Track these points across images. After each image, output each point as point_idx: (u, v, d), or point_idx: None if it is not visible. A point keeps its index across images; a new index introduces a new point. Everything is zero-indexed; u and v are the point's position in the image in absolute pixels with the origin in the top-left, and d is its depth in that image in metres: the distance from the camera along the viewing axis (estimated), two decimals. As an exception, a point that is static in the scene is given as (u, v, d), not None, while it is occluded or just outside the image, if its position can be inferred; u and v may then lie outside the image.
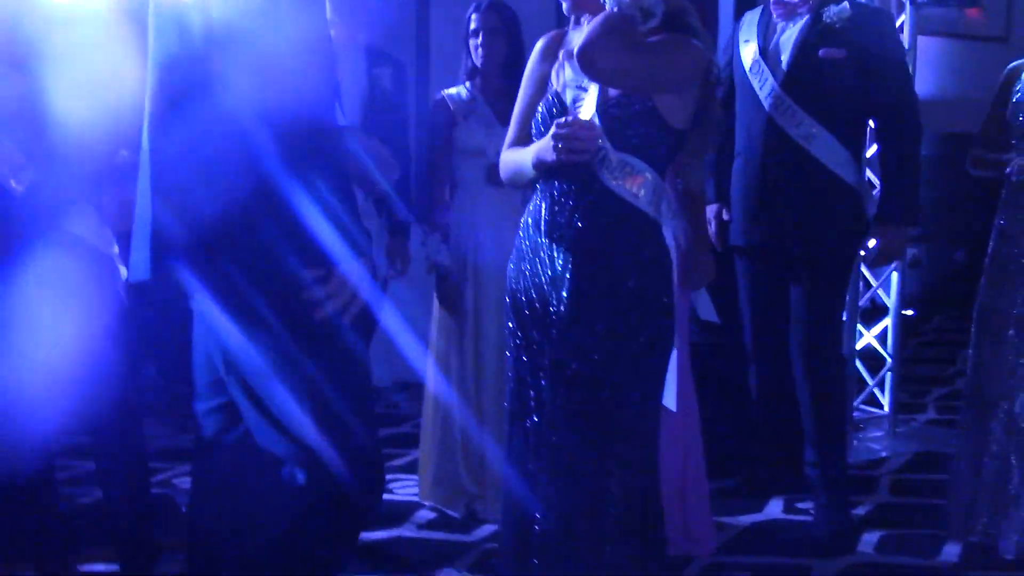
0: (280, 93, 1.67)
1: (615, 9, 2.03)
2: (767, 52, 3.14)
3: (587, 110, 2.15)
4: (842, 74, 3.05)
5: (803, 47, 3.07)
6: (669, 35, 2.09)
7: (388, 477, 3.64)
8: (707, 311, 3.11)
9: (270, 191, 1.70)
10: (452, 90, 3.35)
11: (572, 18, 2.26)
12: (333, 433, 1.77)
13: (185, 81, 1.72)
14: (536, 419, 2.18)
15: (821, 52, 3.04)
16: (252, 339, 1.73)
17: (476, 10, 3.28)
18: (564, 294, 2.13)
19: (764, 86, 3.10)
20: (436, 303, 3.38)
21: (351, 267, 1.78)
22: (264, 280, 1.74)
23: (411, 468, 3.66)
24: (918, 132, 3.16)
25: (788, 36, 3.12)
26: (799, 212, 3.09)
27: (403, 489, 3.56)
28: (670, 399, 2.21)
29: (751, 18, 3.26)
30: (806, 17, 3.09)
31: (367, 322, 3.14)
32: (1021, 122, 3.05)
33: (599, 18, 2.03)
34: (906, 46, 4.22)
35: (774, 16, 3.16)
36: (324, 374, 1.77)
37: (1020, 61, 3.17)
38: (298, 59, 1.67)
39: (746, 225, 3.20)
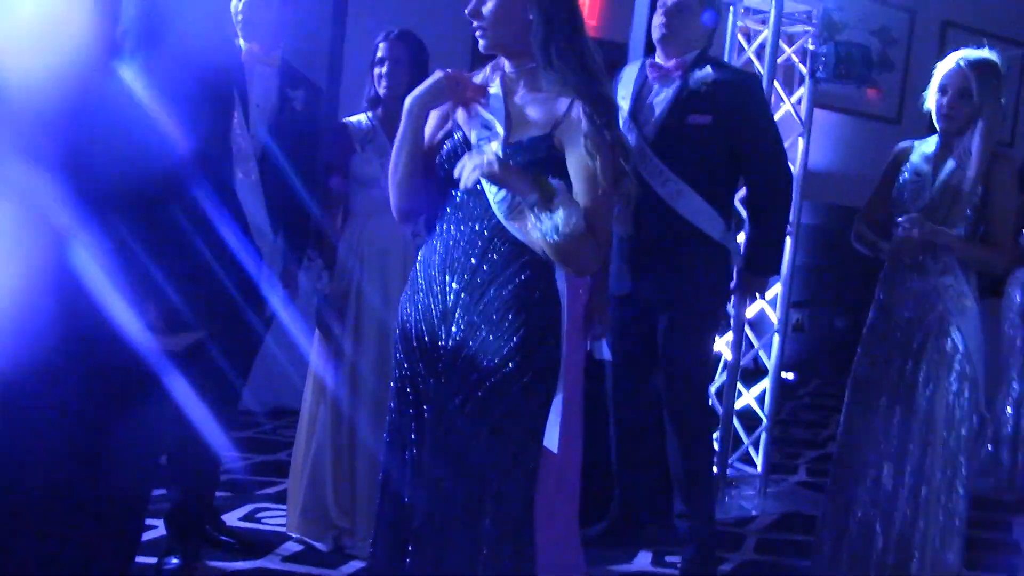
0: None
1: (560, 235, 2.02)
2: (638, 111, 3.24)
3: (494, 152, 2.15)
4: (708, 138, 3.16)
5: (671, 112, 3.18)
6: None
7: (257, 506, 3.56)
8: (601, 351, 3.13)
9: None
10: (354, 118, 3.32)
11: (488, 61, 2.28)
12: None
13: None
14: (415, 451, 2.17)
15: (689, 118, 3.15)
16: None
17: (384, 39, 3.26)
18: (453, 329, 2.14)
19: (634, 144, 3.17)
20: (317, 330, 3.32)
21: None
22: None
23: (281, 498, 3.57)
24: (786, 189, 3.32)
25: (661, 99, 3.22)
26: (667, 266, 3.18)
27: (271, 519, 3.46)
28: (552, 441, 2.21)
29: (629, 74, 3.34)
30: (676, 82, 3.20)
31: (244, 345, 3.10)
32: (905, 200, 3.17)
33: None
34: (803, 118, 4.39)
35: (649, 77, 3.25)
36: None
37: (909, 143, 3.29)
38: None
39: (618, 275, 3.28)
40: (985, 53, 3.06)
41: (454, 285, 2.14)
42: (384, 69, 3.22)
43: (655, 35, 3.25)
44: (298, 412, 3.37)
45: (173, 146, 1.68)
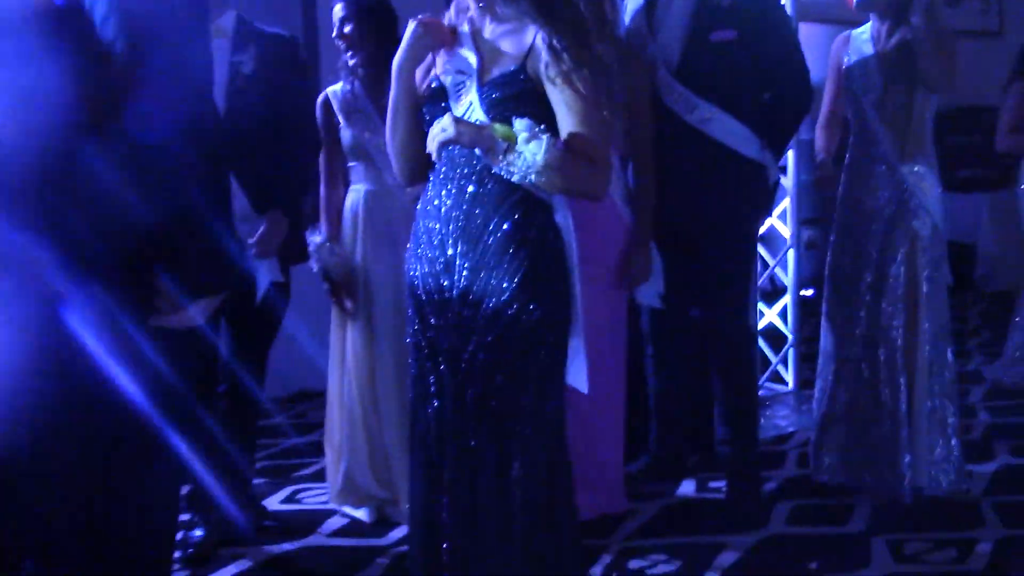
0: None
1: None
2: (650, 33, 3.14)
3: (469, 95, 2.14)
4: (734, 54, 3.06)
5: (692, 30, 3.07)
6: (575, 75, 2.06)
7: (296, 488, 3.57)
8: (646, 295, 3.10)
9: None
10: (335, 87, 3.26)
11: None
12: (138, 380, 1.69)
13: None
14: (437, 404, 2.17)
15: (712, 36, 3.05)
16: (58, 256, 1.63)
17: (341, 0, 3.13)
18: (456, 278, 2.13)
19: (654, 73, 3.11)
20: (334, 308, 3.30)
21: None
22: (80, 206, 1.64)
23: (319, 476, 3.58)
24: (808, 103, 3.22)
25: (676, 16, 3.10)
26: (702, 191, 3.10)
27: (313, 498, 3.47)
28: (579, 380, 2.19)
29: (633, 2, 3.27)
30: (692, 2, 3.08)
31: (261, 329, 3.08)
32: (855, 84, 3.21)
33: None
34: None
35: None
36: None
37: (846, 34, 3.30)
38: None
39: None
40: None
41: (451, 233, 2.13)
42: (346, 32, 3.11)
43: None
44: (323, 393, 3.37)
45: (155, 208, 1.62)
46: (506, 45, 2.14)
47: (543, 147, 1.98)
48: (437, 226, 2.16)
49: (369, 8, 3.12)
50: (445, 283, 2.15)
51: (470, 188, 2.12)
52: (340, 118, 3.20)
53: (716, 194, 3.12)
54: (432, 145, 2.07)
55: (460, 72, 2.17)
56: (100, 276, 1.65)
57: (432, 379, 2.18)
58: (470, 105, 2.13)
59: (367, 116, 3.16)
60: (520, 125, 2.01)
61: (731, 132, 3.09)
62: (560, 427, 2.18)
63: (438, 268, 2.16)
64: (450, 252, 2.14)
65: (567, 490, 2.19)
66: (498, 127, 2.03)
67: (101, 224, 1.63)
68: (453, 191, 2.14)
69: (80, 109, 1.64)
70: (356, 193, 3.25)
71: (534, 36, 2.09)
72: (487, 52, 2.15)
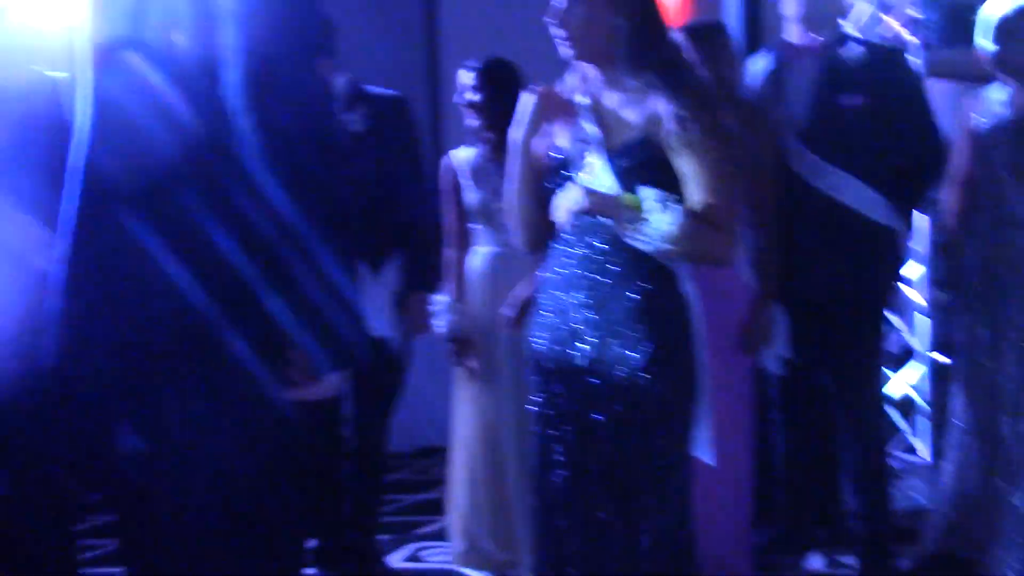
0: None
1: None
2: (777, 100, 3.12)
3: (596, 163, 2.16)
4: (863, 120, 3.02)
5: (819, 95, 3.05)
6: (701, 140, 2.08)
7: (419, 546, 3.60)
8: (768, 360, 3.05)
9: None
10: (460, 152, 3.34)
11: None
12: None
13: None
14: (563, 473, 2.17)
15: (840, 100, 3.02)
16: (211, 278, 1.60)
17: (468, 68, 3.21)
18: (584, 346, 2.14)
19: (782, 139, 3.08)
20: (457, 366, 3.34)
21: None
22: (216, 220, 1.59)
23: (442, 535, 3.59)
24: (941, 168, 3.14)
25: (804, 82, 3.08)
26: (832, 257, 3.05)
27: (435, 557, 3.49)
28: (706, 452, 2.17)
29: (757, 65, 3.25)
30: (818, 63, 3.07)
31: (387, 386, 3.12)
32: (989, 147, 3.06)
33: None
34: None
35: (785, 61, 3.13)
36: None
37: (976, 94, 3.18)
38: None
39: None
40: None
41: (579, 302, 2.14)
42: (473, 99, 3.19)
43: (792, 13, 3.11)
44: (446, 449, 3.40)
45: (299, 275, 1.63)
46: (630, 114, 2.15)
47: (672, 217, 1.99)
48: (563, 295, 2.17)
49: (497, 75, 3.19)
50: (571, 351, 2.16)
51: (598, 258, 2.13)
52: (466, 181, 3.27)
53: (846, 260, 3.06)
54: (562, 215, 2.10)
55: (582, 141, 2.20)
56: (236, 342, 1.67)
57: (559, 448, 2.18)
58: (596, 174, 2.15)
59: (492, 179, 3.22)
60: (649, 195, 2.03)
61: (861, 198, 3.04)
62: (686, 499, 2.16)
63: (564, 336, 2.17)
64: (576, 320, 2.15)
65: (692, 562, 2.17)
66: (627, 196, 2.05)
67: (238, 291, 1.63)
68: (580, 259, 2.16)
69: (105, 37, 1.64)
70: (480, 255, 3.30)
71: (658, 106, 2.10)
72: (610, 121, 2.18)
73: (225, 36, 1.49)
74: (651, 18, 2.15)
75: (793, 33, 3.14)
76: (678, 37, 2.88)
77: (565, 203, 2.09)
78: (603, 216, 2.08)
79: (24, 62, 2.50)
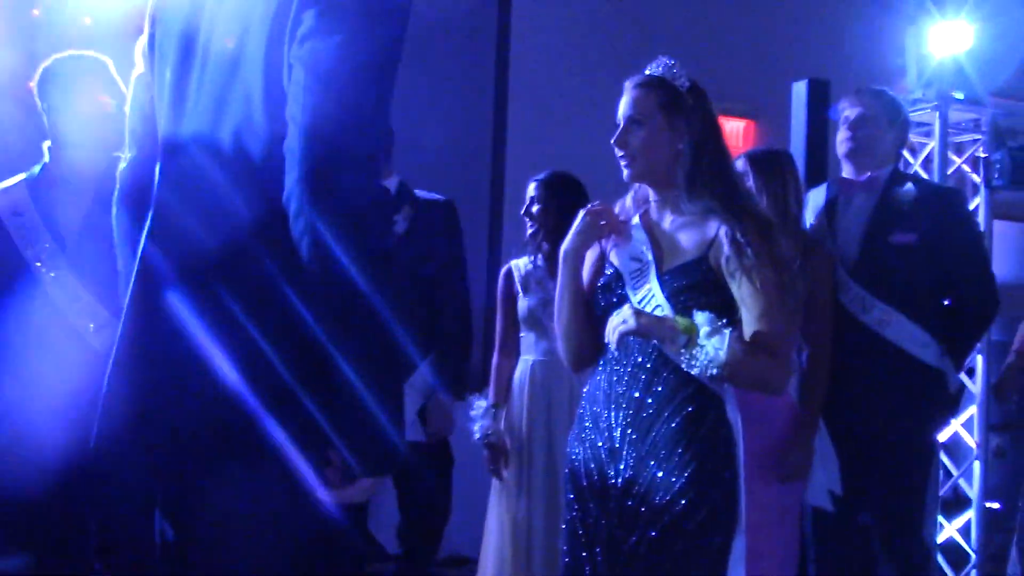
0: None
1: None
2: (830, 234, 3.11)
3: (649, 284, 2.15)
4: (914, 258, 3.00)
5: (871, 231, 3.05)
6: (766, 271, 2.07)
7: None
8: (816, 496, 2.94)
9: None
10: (520, 261, 3.36)
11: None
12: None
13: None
14: None
15: (892, 237, 3.01)
16: (246, 370, 1.56)
17: (534, 180, 3.29)
18: (622, 467, 2.10)
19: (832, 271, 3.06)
20: (493, 475, 3.30)
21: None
22: (262, 313, 1.57)
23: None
24: (993, 312, 3.12)
25: (856, 218, 3.09)
26: (877, 395, 2.99)
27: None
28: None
29: (816, 197, 3.26)
30: (872, 199, 3.08)
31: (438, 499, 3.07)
32: None
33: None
34: (983, 228, 4.19)
35: (840, 196, 3.14)
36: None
37: None
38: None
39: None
40: None
41: (620, 420, 2.11)
42: (534, 211, 3.25)
43: (841, 150, 3.15)
44: (474, 560, 3.33)
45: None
46: (686, 236, 2.16)
47: (725, 343, 1.97)
48: (605, 413, 2.14)
49: (556, 187, 3.23)
50: (610, 471, 2.12)
51: (643, 377, 2.11)
52: (519, 288, 3.28)
53: (893, 399, 3.00)
54: (612, 336, 2.08)
55: (635, 260, 2.19)
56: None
57: (588, 568, 2.13)
58: (649, 294, 2.14)
59: (546, 288, 3.23)
60: (701, 319, 2.01)
61: (909, 336, 3.00)
62: None
63: (603, 455, 2.13)
64: (617, 440, 2.11)
65: None
66: (680, 320, 2.03)
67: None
68: (625, 378, 2.14)
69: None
70: (525, 363, 3.29)
71: (717, 229, 2.10)
72: (665, 243, 2.18)
73: (291, 138, 1.52)
74: (711, 144, 2.16)
75: (847, 169, 3.15)
76: (742, 164, 2.90)
77: (615, 322, 2.07)
78: (654, 338, 2.06)
79: (102, 144, 2.60)
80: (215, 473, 1.62)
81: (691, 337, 2.00)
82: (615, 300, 2.19)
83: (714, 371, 1.98)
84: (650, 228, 2.21)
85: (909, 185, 3.06)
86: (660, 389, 2.09)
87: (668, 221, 2.20)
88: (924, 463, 3.14)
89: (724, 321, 2.00)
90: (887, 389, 2.99)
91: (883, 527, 3.06)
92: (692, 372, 2.02)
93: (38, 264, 2.60)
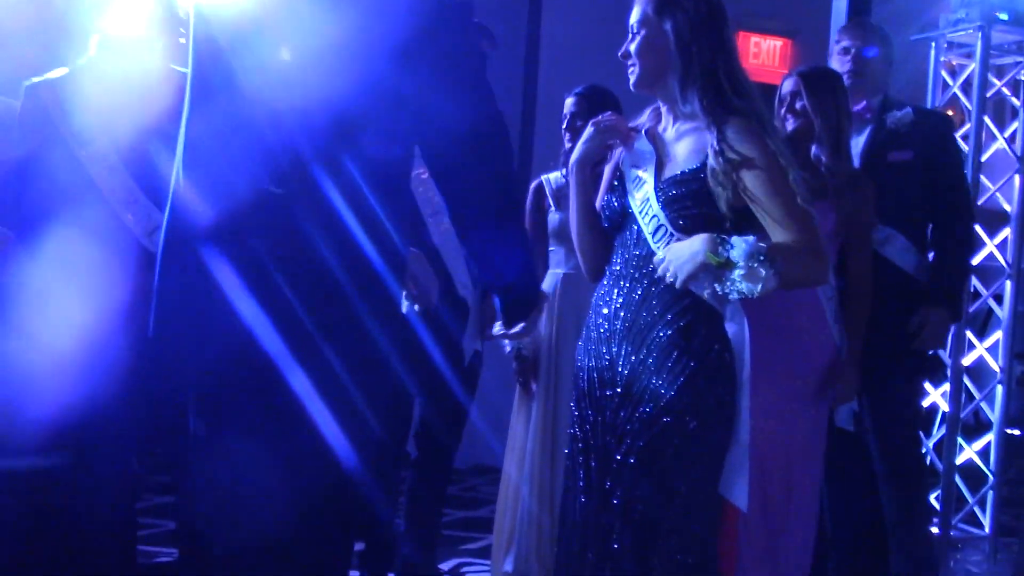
0: (303, 89, 1.63)
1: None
2: None
3: (645, 190, 2.13)
4: (909, 176, 3.10)
5: (871, 151, 3.13)
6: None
7: (461, 561, 3.60)
8: (843, 418, 2.97)
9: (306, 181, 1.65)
10: (550, 175, 3.36)
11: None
12: (351, 439, 1.68)
13: (215, 73, 1.70)
14: (583, 500, 2.13)
15: (890, 156, 3.10)
16: (276, 324, 1.64)
17: (572, 94, 3.28)
18: (617, 378, 2.10)
19: None
20: (519, 389, 3.35)
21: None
22: (295, 266, 1.66)
23: (485, 553, 3.60)
24: (972, 231, 3.27)
25: (855, 144, 3.12)
26: (876, 314, 2.96)
27: (476, 574, 3.49)
28: (738, 495, 2.10)
29: None
30: (870, 125, 3.16)
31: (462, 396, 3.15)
32: None
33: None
34: (1018, 153, 4.14)
35: None
36: (350, 374, 1.67)
37: None
38: (322, 60, 1.62)
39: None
40: None
41: (618, 333, 2.11)
42: (576, 125, 3.24)
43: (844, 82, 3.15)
44: (496, 469, 3.40)
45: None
46: (685, 145, 2.11)
47: (763, 277, 1.91)
48: (606, 324, 2.14)
49: (593, 100, 3.21)
50: (608, 381, 2.13)
51: (639, 291, 2.10)
52: (551, 202, 3.29)
53: (891, 317, 3.02)
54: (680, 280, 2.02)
55: (636, 167, 2.17)
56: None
57: (582, 473, 2.15)
58: (646, 200, 2.11)
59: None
60: (737, 253, 1.93)
61: (906, 256, 3.09)
62: (708, 545, 2.08)
63: (603, 364, 2.14)
64: (615, 350, 2.12)
65: None
66: (711, 256, 1.95)
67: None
68: (625, 289, 2.13)
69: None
70: (554, 276, 3.31)
71: (718, 133, 2.04)
72: (666, 152, 2.14)
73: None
74: (705, 48, 2.07)
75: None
76: (793, 83, 2.86)
77: (670, 274, 2.01)
78: (688, 280, 2.00)
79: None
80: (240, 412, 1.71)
81: (728, 270, 1.93)
82: (616, 207, 2.17)
83: (763, 290, 1.92)
84: (655, 138, 2.18)
85: (903, 110, 3.14)
86: (655, 303, 2.08)
87: (672, 131, 2.15)
88: (918, 378, 3.27)
89: (761, 255, 1.92)
90: (884, 306, 2.99)
91: (882, 442, 3.09)
92: (739, 297, 1.97)
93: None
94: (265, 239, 1.65)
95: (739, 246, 1.93)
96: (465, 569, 3.54)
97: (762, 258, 1.91)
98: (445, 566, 3.53)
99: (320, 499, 1.72)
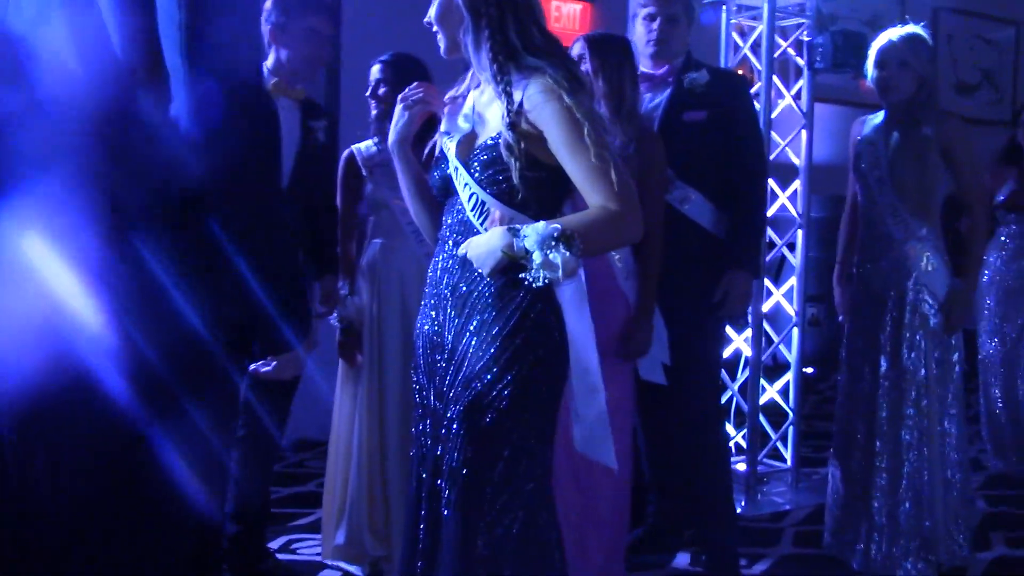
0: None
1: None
2: None
3: (452, 159, 2.12)
4: (704, 136, 3.20)
5: (668, 113, 3.22)
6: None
7: (291, 537, 3.55)
8: (650, 371, 3.06)
9: None
10: (361, 144, 3.33)
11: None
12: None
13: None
14: (421, 469, 2.13)
15: (685, 116, 3.20)
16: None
17: (377, 62, 3.26)
18: (445, 342, 2.10)
19: None
20: (341, 359, 3.32)
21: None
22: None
23: (315, 528, 3.56)
24: (764, 188, 3.40)
25: (656, 104, 3.25)
26: (678, 270, 3.11)
27: (306, 549, 3.46)
28: (609, 457, 2.13)
29: None
30: (669, 88, 3.25)
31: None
32: (864, 169, 3.35)
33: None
34: (804, 110, 4.41)
35: (643, 91, 3.23)
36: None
37: (862, 119, 3.46)
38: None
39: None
40: (912, 28, 3.30)
41: (445, 296, 2.11)
42: (380, 93, 3.20)
43: (647, 50, 3.26)
44: (322, 443, 3.36)
45: (201, 162, 1.66)
46: (495, 109, 2.05)
47: (560, 263, 1.87)
48: (434, 288, 2.14)
49: (405, 70, 3.17)
50: (437, 345, 2.12)
51: (459, 252, 2.06)
52: (364, 171, 3.26)
53: (693, 272, 3.18)
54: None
55: (447, 135, 2.16)
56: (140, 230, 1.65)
57: (423, 440, 2.15)
58: (456, 169, 2.09)
59: (390, 172, 3.20)
60: (531, 243, 1.89)
61: (705, 214, 3.21)
62: (542, 507, 2.05)
63: (434, 330, 2.13)
64: (443, 315, 2.11)
65: (548, 566, 2.06)
66: (507, 252, 1.92)
67: (147, 174, 1.64)
68: (451, 252, 2.11)
69: (129, 66, 1.62)
70: (373, 246, 3.29)
71: (518, 93, 2.00)
72: (481, 117, 2.10)
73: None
74: (494, 12, 2.02)
75: (646, 63, 3.28)
76: (579, 47, 2.92)
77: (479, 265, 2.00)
78: (494, 273, 1.98)
79: None
80: None
81: (526, 258, 1.90)
82: (437, 177, 2.16)
83: (564, 274, 1.87)
84: (471, 106, 2.14)
85: (699, 71, 3.24)
86: (471, 264, 2.03)
87: (484, 97, 2.11)
88: (718, 331, 3.39)
89: (552, 229, 1.87)
90: (684, 262, 3.14)
91: (680, 393, 3.17)
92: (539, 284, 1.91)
93: None
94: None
95: (531, 236, 1.89)
96: (295, 545, 3.50)
97: (554, 243, 1.87)
98: (276, 543, 3.48)
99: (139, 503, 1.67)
